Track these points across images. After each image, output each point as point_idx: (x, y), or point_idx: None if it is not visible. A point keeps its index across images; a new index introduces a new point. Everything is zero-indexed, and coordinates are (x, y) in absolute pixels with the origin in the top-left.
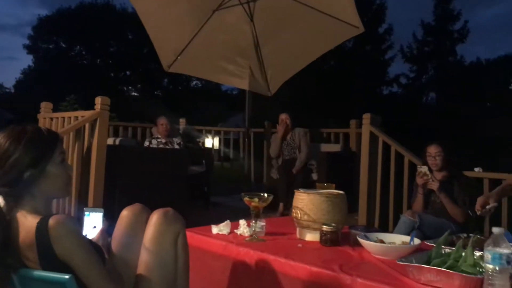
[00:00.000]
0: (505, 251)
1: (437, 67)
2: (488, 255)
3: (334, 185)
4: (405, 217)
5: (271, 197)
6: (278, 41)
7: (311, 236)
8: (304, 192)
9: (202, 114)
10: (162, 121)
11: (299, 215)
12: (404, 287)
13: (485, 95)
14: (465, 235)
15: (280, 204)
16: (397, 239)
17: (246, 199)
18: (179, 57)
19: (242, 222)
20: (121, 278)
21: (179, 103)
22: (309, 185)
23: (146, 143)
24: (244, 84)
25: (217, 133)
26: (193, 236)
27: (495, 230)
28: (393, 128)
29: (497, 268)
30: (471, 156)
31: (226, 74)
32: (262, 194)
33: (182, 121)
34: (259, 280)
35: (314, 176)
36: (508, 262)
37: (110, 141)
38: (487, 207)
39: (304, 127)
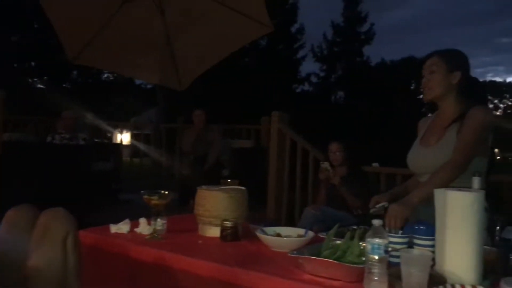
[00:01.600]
0: (383, 241)
1: (346, 67)
2: (368, 246)
3: (237, 181)
4: (309, 211)
5: (172, 195)
6: (190, 36)
7: (212, 232)
8: (206, 189)
9: (113, 108)
10: (67, 115)
11: (201, 212)
12: (295, 278)
13: (389, 95)
14: (354, 227)
15: (191, 201)
16: (294, 232)
17: (145, 197)
18: (86, 49)
19: (142, 220)
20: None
21: (89, 96)
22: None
23: (49, 139)
24: (154, 79)
25: (129, 128)
26: (90, 236)
27: (375, 222)
28: (304, 125)
29: (376, 257)
30: (373, 152)
31: (136, 68)
32: (162, 191)
33: (90, 116)
34: (157, 278)
35: (226, 172)
36: (386, 251)
37: (5, 137)
38: (377, 206)
39: (217, 123)
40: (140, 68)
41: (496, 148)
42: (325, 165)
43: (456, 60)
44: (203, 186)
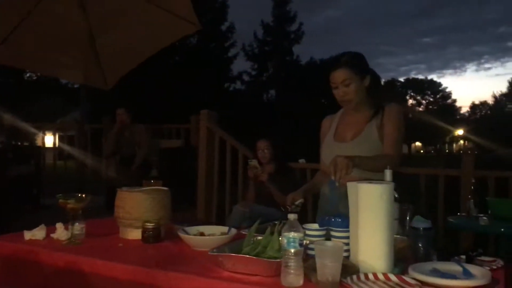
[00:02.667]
0: (298, 235)
1: (277, 66)
2: (284, 240)
3: (161, 181)
4: (237, 208)
5: (89, 197)
6: (114, 33)
7: (134, 235)
8: (126, 190)
9: (38, 109)
10: None
11: (121, 214)
12: (214, 276)
13: (318, 93)
14: (277, 222)
15: None
16: (218, 230)
17: (61, 201)
18: (1, 47)
19: (58, 225)
20: None
21: (9, 97)
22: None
23: None
24: (78, 77)
25: (53, 130)
26: (2, 245)
27: (290, 216)
28: (235, 124)
29: (292, 251)
30: (301, 149)
31: (58, 66)
32: (79, 194)
33: (7, 117)
34: (75, 285)
35: (155, 173)
36: (301, 245)
37: None
38: (295, 203)
39: (145, 123)
40: (62, 67)
41: (419, 142)
42: (253, 162)
43: (362, 65)
44: (124, 188)
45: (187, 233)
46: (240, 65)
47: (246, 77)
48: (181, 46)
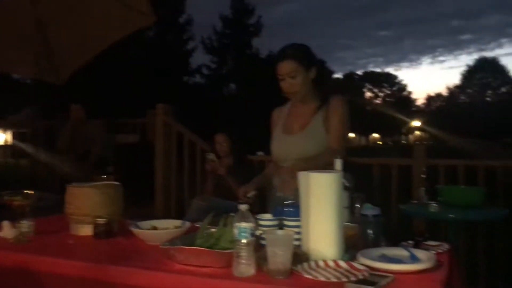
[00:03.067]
0: (249, 225)
1: (236, 59)
2: (235, 230)
3: (113, 176)
4: (196, 202)
5: (37, 194)
6: (66, 26)
7: (85, 231)
8: (75, 186)
9: None
10: None
11: (71, 210)
12: (166, 270)
13: (277, 86)
14: (233, 214)
15: None
16: (171, 224)
17: (6, 198)
18: None
19: (5, 223)
20: None
21: None
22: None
23: None
24: (29, 72)
25: (5, 127)
26: None
27: (241, 207)
28: (194, 118)
29: (243, 241)
30: (260, 142)
31: (7, 61)
32: (26, 191)
33: None
34: (24, 284)
35: (111, 169)
36: (252, 235)
37: None
38: (248, 195)
39: (100, 118)
40: (11, 62)
41: (376, 133)
42: (211, 156)
43: (308, 57)
44: (73, 183)
45: (139, 227)
46: (200, 58)
47: (205, 71)
48: (138, 39)
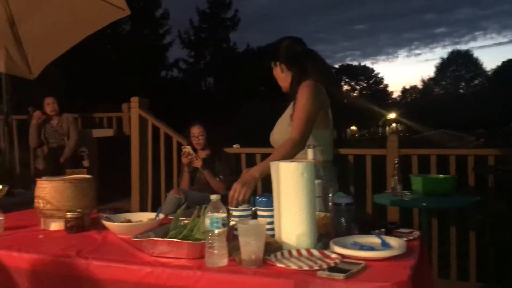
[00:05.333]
0: (221, 215)
1: (213, 53)
2: (207, 221)
3: (85, 170)
4: (171, 195)
5: (5, 189)
6: (38, 19)
7: (56, 225)
8: (46, 180)
9: None
10: None
11: (42, 205)
12: (137, 262)
13: (257, 80)
14: (206, 206)
15: None
16: (145, 217)
17: None
18: None
19: None
20: None
21: None
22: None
23: None
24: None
25: None
26: None
27: (213, 197)
28: (171, 112)
29: (216, 231)
30: (234, 134)
31: None
32: None
33: None
34: None
35: (86, 164)
36: (224, 225)
37: None
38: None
39: (74, 112)
40: None
41: (354, 126)
42: (187, 148)
43: (273, 53)
44: (43, 177)
45: (111, 220)
46: (177, 52)
47: (183, 65)
48: (113, 33)
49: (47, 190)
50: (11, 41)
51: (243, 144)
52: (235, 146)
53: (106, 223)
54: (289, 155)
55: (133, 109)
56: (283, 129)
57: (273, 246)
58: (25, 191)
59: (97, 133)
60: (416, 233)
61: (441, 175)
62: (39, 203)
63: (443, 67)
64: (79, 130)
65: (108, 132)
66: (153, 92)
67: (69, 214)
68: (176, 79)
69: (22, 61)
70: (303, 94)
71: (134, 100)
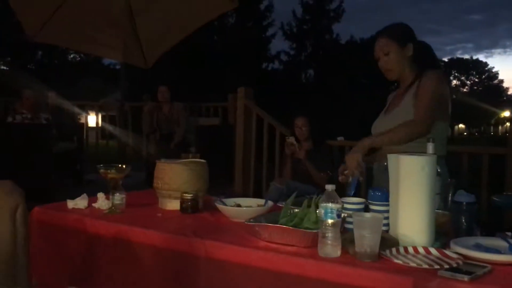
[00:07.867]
0: (336, 205)
1: (315, 45)
2: (321, 211)
3: (199, 155)
4: (274, 185)
5: (128, 168)
6: (153, 11)
7: (172, 206)
8: (165, 162)
9: (81, 89)
10: (27, 95)
11: (160, 185)
12: (250, 246)
13: (359, 72)
14: (315, 196)
15: None
16: (254, 203)
17: (102, 171)
18: (45, 26)
19: (100, 195)
20: None
21: (54, 77)
22: None
23: (9, 119)
24: (117, 55)
25: (96, 110)
26: (47, 212)
27: (328, 187)
28: (273, 104)
29: (329, 221)
30: (339, 127)
31: (96, 44)
32: (120, 165)
33: (52, 96)
34: (114, 251)
35: (193, 150)
36: (339, 216)
37: None
38: (345, 172)
39: (183, 101)
40: (102, 45)
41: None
42: (291, 139)
43: (403, 34)
44: (162, 159)
45: (224, 204)
46: (279, 44)
47: (284, 57)
48: (219, 26)
49: (166, 172)
50: (129, 32)
51: (347, 137)
52: (339, 139)
53: (220, 206)
54: (409, 137)
55: (239, 99)
56: (388, 121)
57: (388, 241)
58: (137, 173)
59: (204, 121)
60: None
61: None
62: (158, 184)
63: None
64: (187, 118)
65: (214, 121)
66: (256, 83)
67: (185, 195)
68: (277, 70)
69: (138, 51)
70: (430, 81)
71: (241, 91)
